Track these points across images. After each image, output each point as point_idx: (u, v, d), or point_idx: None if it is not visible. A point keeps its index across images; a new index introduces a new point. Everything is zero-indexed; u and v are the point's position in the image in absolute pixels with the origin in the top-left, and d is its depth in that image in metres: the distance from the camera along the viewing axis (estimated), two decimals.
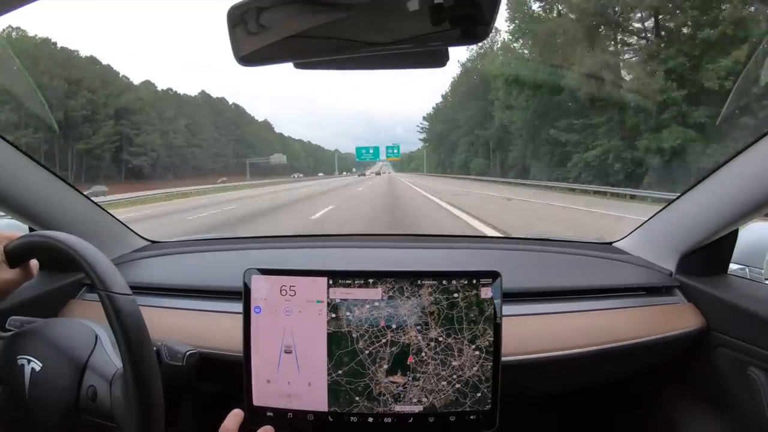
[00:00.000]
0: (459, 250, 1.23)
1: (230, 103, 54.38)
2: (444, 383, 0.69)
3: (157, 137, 37.30)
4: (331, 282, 0.69)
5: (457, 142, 39.77)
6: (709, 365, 0.86)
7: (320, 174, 61.92)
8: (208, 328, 0.85)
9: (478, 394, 0.69)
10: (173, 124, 40.72)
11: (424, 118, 51.41)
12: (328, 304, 0.69)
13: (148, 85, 42.52)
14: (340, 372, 0.69)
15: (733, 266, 0.96)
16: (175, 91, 46.15)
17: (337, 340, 0.69)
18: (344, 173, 64.87)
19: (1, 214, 1.04)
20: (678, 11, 17.14)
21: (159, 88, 44.07)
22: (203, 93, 50.90)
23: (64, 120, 30.32)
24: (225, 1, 0.51)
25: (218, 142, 47.23)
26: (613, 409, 1.10)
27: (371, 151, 38.09)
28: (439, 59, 0.55)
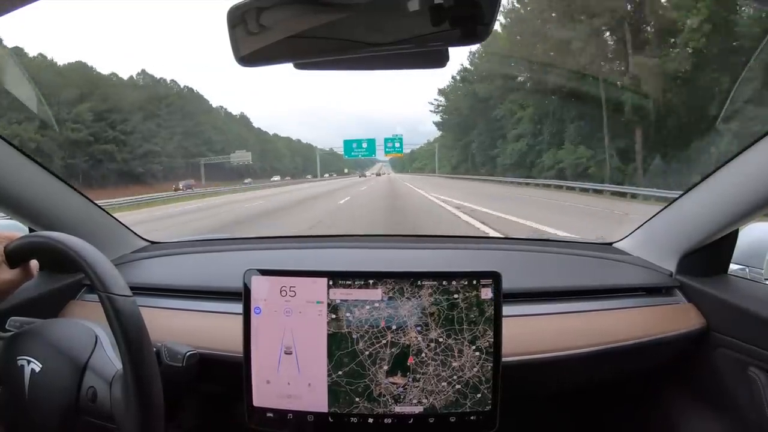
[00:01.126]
0: (459, 250, 1.23)
1: (182, 86, 38.82)
2: (444, 384, 0.69)
3: (30, 129, 22.84)
4: (331, 283, 0.69)
5: (512, 121, 22.20)
6: (710, 365, 0.86)
7: (275, 178, 40.00)
8: (208, 328, 0.85)
9: (479, 395, 0.69)
10: (74, 109, 27.05)
11: (440, 91, 32.88)
12: (328, 304, 0.69)
13: (49, 57, 28.41)
14: (340, 373, 0.69)
15: (733, 266, 0.96)
16: (92, 68, 31.96)
17: (337, 341, 0.69)
18: (327, 175, 48.97)
19: (1, 214, 1.04)
20: None
21: (54, 60, 29.52)
22: (144, 73, 36.08)
23: None
24: (225, 1, 0.51)
25: (156, 137, 32.48)
26: (614, 409, 1.09)
27: (365, 145, 26.47)
28: (439, 60, 0.55)
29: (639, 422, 1.02)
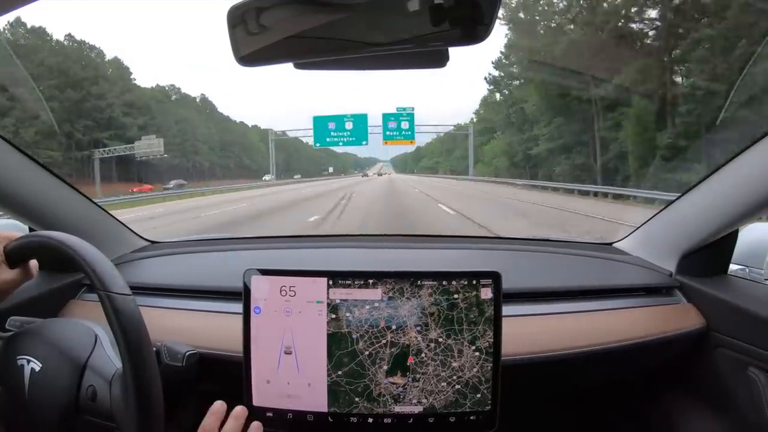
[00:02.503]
0: (459, 250, 1.23)
1: (77, 39, 27.21)
2: (444, 384, 0.69)
3: None
4: (331, 282, 0.69)
5: None
6: (709, 365, 0.86)
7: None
8: (208, 328, 0.85)
9: (478, 395, 0.69)
10: None
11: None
12: (328, 304, 0.69)
13: None
14: (339, 373, 0.69)
15: (733, 266, 0.96)
16: None
17: (337, 341, 0.69)
18: (268, 177, 32.53)
19: (1, 214, 1.04)
20: None
21: None
22: (18, 23, 24.43)
23: None
24: (225, 1, 0.51)
25: (6, 116, 20.80)
26: (613, 409, 1.09)
27: (349, 126, 15.57)
28: (439, 60, 0.55)
29: (639, 422, 1.02)
